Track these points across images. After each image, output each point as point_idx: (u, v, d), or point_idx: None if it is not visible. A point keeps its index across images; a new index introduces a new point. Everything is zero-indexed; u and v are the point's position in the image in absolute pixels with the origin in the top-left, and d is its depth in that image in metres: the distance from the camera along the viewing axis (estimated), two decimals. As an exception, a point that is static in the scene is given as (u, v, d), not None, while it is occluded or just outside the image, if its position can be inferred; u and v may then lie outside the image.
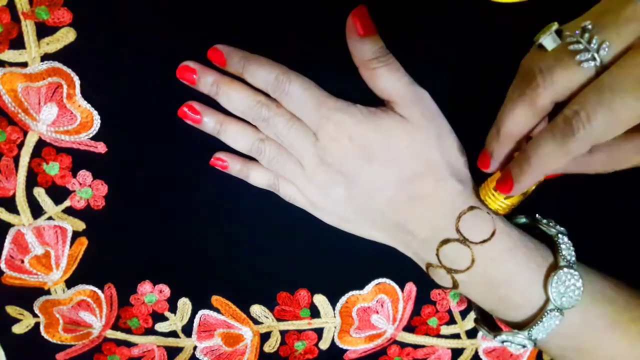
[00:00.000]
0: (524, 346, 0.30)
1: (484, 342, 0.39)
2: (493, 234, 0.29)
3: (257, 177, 0.34)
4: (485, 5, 0.31)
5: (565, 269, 0.29)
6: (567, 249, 0.30)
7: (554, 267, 0.29)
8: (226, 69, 0.31)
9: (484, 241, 0.29)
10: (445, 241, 0.30)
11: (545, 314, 0.28)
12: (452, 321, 0.38)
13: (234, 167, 0.34)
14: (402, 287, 0.37)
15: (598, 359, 0.30)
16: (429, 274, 0.32)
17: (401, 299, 0.37)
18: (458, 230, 0.30)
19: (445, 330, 0.39)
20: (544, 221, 0.31)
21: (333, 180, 0.31)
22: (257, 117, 0.32)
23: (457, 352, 0.40)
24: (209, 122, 0.32)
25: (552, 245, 0.31)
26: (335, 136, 0.30)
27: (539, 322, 0.29)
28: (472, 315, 0.38)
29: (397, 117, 0.30)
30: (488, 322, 0.34)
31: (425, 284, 0.37)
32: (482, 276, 0.30)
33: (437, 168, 0.30)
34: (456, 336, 0.39)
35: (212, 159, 0.34)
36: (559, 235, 0.30)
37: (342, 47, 0.31)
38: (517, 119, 0.25)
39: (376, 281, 0.37)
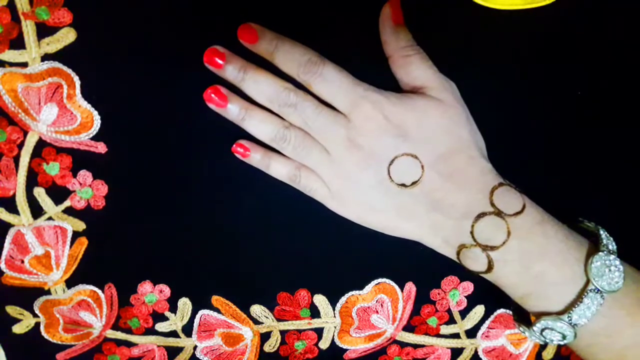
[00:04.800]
0: (564, 337, 0.30)
1: (484, 341, 0.39)
2: (524, 206, 0.30)
3: (277, 168, 0.33)
4: (483, 12, 0.31)
5: (606, 252, 0.29)
6: (607, 237, 0.31)
7: (593, 251, 0.30)
8: (256, 48, 0.31)
9: (517, 213, 0.30)
10: (481, 215, 0.30)
11: (586, 294, 0.29)
12: (451, 321, 0.39)
13: (255, 156, 0.33)
14: (401, 287, 0.37)
15: (626, 342, 0.30)
16: (461, 259, 0.32)
17: (401, 299, 0.38)
18: (492, 204, 0.30)
19: (445, 329, 0.39)
20: (583, 220, 0.33)
21: (363, 164, 0.31)
22: (284, 102, 0.31)
23: (456, 352, 0.40)
24: (234, 108, 0.32)
25: (590, 237, 0.32)
26: (372, 115, 0.30)
27: (579, 302, 0.29)
28: (471, 315, 0.38)
29: (431, 98, 0.31)
30: (526, 321, 0.34)
31: (424, 283, 0.37)
32: (517, 252, 0.30)
33: (469, 146, 0.31)
34: (456, 336, 0.39)
35: (233, 146, 0.33)
36: (598, 228, 0.31)
37: (353, 46, 0.32)
38: None
39: (376, 281, 0.37)
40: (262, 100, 0.32)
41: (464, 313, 0.38)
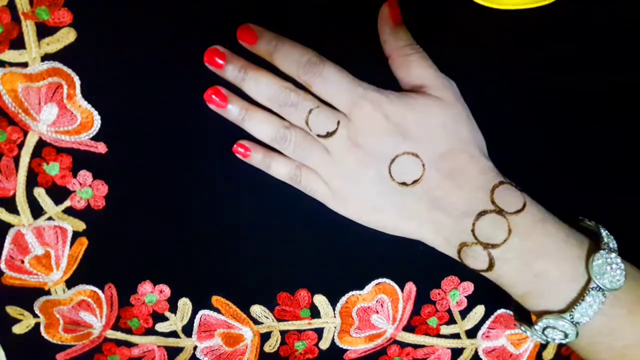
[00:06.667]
0: (566, 335, 0.30)
1: (484, 341, 0.39)
2: (524, 205, 0.30)
3: (278, 168, 0.34)
4: (483, 12, 0.31)
5: (607, 250, 0.29)
6: (608, 236, 0.31)
7: (594, 249, 0.30)
8: (255, 48, 0.31)
9: (518, 211, 0.30)
10: (482, 213, 0.30)
11: (587, 292, 0.29)
12: (451, 321, 0.39)
13: (255, 156, 0.33)
14: (402, 287, 0.37)
15: (627, 340, 0.30)
16: (461, 257, 0.32)
17: (401, 299, 0.38)
18: (493, 202, 0.30)
19: (445, 330, 0.39)
20: (584, 219, 0.33)
21: (364, 163, 0.31)
22: (285, 102, 0.31)
23: (457, 352, 0.40)
24: (234, 109, 0.32)
25: (590, 236, 0.31)
26: (371, 114, 0.30)
27: (580, 301, 0.29)
28: (471, 315, 0.38)
29: (431, 97, 0.31)
30: (527, 320, 0.34)
31: (425, 283, 0.37)
32: (518, 250, 0.30)
33: (469, 145, 0.31)
34: (456, 336, 0.39)
35: (234, 147, 0.33)
36: (599, 226, 0.31)
37: (353, 46, 0.32)
38: None
39: (376, 281, 0.37)
40: (263, 100, 0.32)
41: (464, 313, 0.38)
